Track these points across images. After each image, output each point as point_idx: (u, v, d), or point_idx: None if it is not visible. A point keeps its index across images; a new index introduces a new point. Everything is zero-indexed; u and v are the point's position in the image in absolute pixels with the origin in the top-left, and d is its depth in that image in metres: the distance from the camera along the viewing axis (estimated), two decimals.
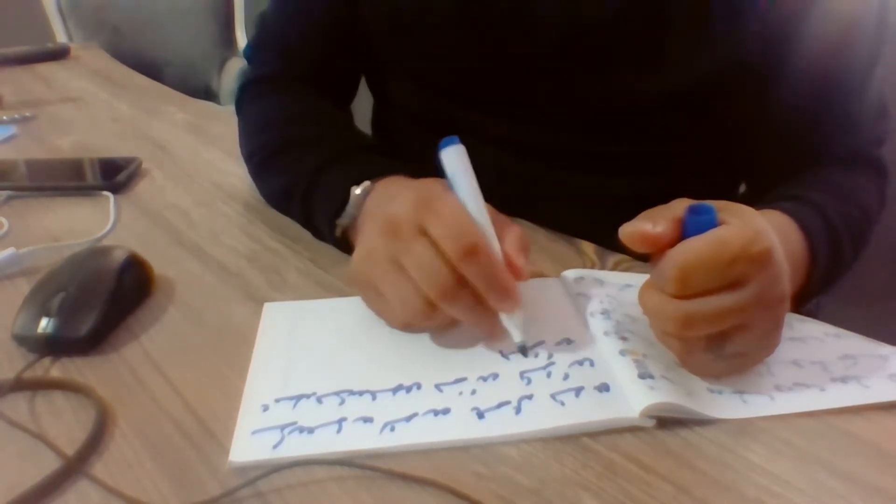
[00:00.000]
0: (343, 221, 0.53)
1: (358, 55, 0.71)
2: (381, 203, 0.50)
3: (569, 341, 0.44)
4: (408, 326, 0.45)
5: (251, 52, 0.73)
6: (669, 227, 0.38)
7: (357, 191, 0.52)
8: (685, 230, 0.38)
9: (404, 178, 0.51)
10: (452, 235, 0.40)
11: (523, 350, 0.42)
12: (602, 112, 0.60)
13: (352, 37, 0.68)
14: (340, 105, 0.73)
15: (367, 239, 0.44)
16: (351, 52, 0.70)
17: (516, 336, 0.42)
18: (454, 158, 0.44)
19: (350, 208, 0.52)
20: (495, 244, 0.43)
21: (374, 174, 0.52)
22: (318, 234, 0.57)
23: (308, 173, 0.56)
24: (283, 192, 0.61)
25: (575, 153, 0.63)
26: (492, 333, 0.43)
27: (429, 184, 0.46)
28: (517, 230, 0.44)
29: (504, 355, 0.43)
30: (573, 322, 0.46)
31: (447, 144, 0.44)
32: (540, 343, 0.44)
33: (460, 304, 0.41)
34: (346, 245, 0.54)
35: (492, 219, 0.44)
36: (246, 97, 0.70)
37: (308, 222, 0.58)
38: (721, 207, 0.38)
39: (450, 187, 0.44)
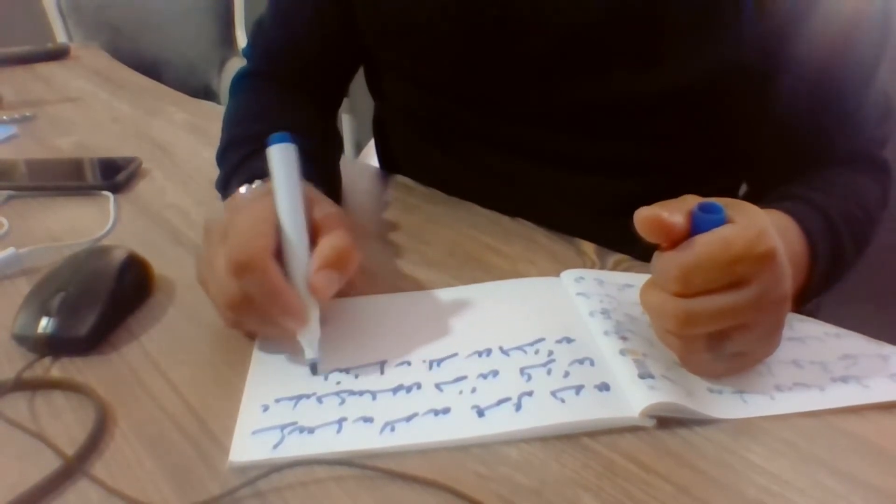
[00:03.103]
0: None
1: (349, 58, 0.71)
2: None
3: (569, 340, 0.44)
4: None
5: (246, 52, 0.73)
6: (684, 220, 0.37)
7: (242, 190, 0.50)
8: (694, 227, 0.37)
9: None
10: (232, 246, 0.39)
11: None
12: (601, 112, 0.60)
13: (342, 41, 0.68)
14: (329, 106, 0.73)
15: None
16: (340, 56, 0.70)
17: (308, 353, 0.41)
18: (275, 158, 0.42)
19: None
20: (297, 257, 0.41)
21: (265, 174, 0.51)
22: None
23: (228, 173, 0.57)
24: (220, 188, 0.61)
25: (574, 153, 0.63)
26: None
27: (258, 189, 0.45)
28: (331, 243, 0.42)
29: (504, 351, 0.43)
30: (573, 322, 0.46)
31: (275, 141, 0.41)
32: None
33: (250, 317, 0.41)
34: None
35: (323, 225, 0.42)
36: (230, 93, 0.71)
37: None
38: (726, 204, 0.38)
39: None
